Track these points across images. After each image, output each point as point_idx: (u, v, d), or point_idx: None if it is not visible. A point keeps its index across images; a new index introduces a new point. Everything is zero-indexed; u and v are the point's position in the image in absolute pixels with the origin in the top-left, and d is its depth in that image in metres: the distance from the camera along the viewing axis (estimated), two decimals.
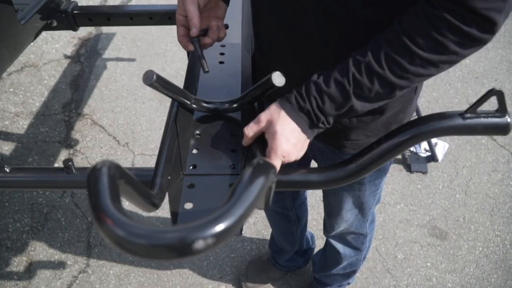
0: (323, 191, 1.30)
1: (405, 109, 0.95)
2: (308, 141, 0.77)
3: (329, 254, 1.53)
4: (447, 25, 0.64)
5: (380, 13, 0.72)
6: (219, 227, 0.44)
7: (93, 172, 0.49)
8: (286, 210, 1.55)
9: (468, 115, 0.71)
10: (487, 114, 0.71)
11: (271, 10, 0.86)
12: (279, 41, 0.89)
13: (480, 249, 2.01)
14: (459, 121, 0.71)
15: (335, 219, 1.28)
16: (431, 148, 2.35)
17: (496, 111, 0.71)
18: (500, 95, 0.69)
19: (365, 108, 0.74)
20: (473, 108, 0.71)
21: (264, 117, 0.75)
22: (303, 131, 0.75)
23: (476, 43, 0.66)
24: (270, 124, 0.74)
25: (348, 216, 1.25)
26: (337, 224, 1.30)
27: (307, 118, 0.74)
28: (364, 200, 1.18)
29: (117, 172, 0.51)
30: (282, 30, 0.86)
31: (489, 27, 0.64)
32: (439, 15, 0.64)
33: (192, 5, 0.84)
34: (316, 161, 1.19)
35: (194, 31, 0.84)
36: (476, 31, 0.64)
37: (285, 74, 0.76)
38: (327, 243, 1.51)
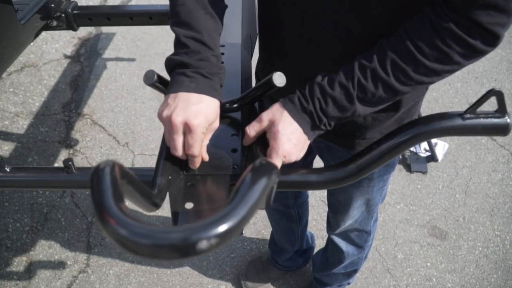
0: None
1: (416, 104, 0.97)
2: (308, 142, 0.77)
3: (331, 253, 1.54)
4: (453, 36, 0.66)
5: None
6: (223, 228, 0.44)
7: (96, 172, 0.49)
8: (288, 208, 1.55)
9: (468, 115, 0.72)
10: (487, 115, 0.72)
11: (288, 26, 0.85)
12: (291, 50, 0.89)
13: (480, 249, 2.01)
14: (458, 121, 0.72)
15: (342, 216, 1.28)
16: (431, 148, 2.35)
17: (496, 111, 0.72)
18: (499, 95, 0.69)
19: (366, 111, 0.75)
20: (472, 108, 0.71)
21: (266, 116, 0.75)
22: (305, 132, 0.75)
23: (479, 55, 0.68)
24: (272, 123, 0.75)
25: (355, 212, 1.25)
26: (343, 221, 1.31)
27: (309, 119, 0.74)
28: (372, 197, 1.19)
29: (119, 172, 0.51)
30: (296, 41, 0.86)
31: (493, 41, 0.66)
32: (446, 26, 0.65)
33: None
34: (322, 158, 1.19)
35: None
36: (480, 43, 0.66)
37: (289, 77, 0.76)
38: (330, 241, 1.51)
